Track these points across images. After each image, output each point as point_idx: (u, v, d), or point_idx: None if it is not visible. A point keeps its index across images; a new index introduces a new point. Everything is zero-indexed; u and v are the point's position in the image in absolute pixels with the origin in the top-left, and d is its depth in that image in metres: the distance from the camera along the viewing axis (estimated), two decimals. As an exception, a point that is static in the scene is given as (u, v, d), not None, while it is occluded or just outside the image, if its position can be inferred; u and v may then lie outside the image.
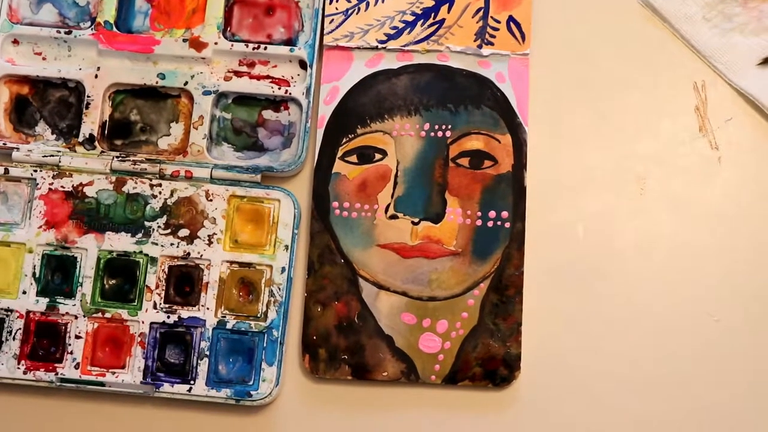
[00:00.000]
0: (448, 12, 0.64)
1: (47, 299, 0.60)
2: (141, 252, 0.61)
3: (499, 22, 0.64)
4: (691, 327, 0.61)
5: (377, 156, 0.62)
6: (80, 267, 0.61)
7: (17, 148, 0.62)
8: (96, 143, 0.63)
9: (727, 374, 0.61)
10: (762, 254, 0.62)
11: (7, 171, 0.62)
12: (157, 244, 0.61)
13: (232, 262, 0.61)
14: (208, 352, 0.59)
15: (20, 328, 0.60)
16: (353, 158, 0.62)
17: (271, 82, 0.63)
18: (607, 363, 0.61)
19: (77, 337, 0.60)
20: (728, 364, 0.61)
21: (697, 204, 0.63)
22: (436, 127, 0.62)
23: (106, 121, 0.63)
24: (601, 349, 0.61)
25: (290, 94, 0.63)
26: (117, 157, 0.62)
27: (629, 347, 0.61)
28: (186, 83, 0.63)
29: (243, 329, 0.59)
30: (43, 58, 0.64)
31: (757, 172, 0.63)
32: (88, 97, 0.63)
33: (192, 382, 0.59)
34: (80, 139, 0.63)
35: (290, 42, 0.64)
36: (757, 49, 0.64)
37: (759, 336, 0.61)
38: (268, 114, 0.64)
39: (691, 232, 0.63)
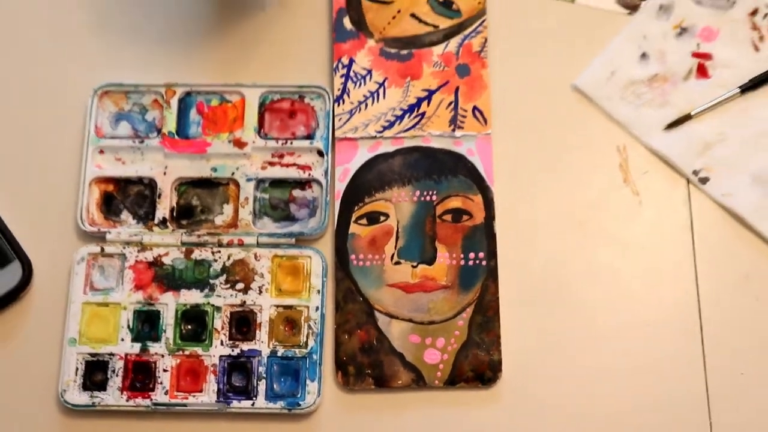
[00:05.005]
0: (428, 106, 0.70)
1: (140, 344, 0.65)
2: (208, 303, 0.66)
3: (466, 111, 0.69)
4: (626, 332, 0.65)
5: (382, 218, 0.67)
6: (163, 318, 0.66)
7: (109, 232, 0.68)
8: (168, 224, 0.68)
9: (660, 369, 0.64)
10: (677, 272, 0.67)
11: (102, 249, 0.67)
12: (220, 296, 0.66)
13: (278, 306, 0.66)
14: (264, 375, 0.64)
15: (121, 367, 0.64)
16: (364, 221, 0.68)
17: (297, 168, 0.69)
18: (570, 363, 0.64)
19: (164, 370, 0.65)
20: (657, 361, 0.64)
21: (624, 238, 0.67)
22: (425, 193, 0.68)
23: (174, 206, 0.69)
24: (564, 353, 0.65)
25: (312, 176, 0.68)
26: (185, 233, 0.67)
27: (584, 350, 0.65)
28: (233, 173, 0.69)
29: (290, 356, 0.64)
30: (123, 163, 0.69)
31: (670, 211, 0.68)
32: (159, 189, 0.69)
33: (254, 398, 0.64)
34: (156, 221, 0.68)
35: (310, 137, 0.69)
36: (662, 118, 0.69)
37: (683, 334, 0.65)
38: (296, 192, 0.69)
39: (622, 260, 0.67)
